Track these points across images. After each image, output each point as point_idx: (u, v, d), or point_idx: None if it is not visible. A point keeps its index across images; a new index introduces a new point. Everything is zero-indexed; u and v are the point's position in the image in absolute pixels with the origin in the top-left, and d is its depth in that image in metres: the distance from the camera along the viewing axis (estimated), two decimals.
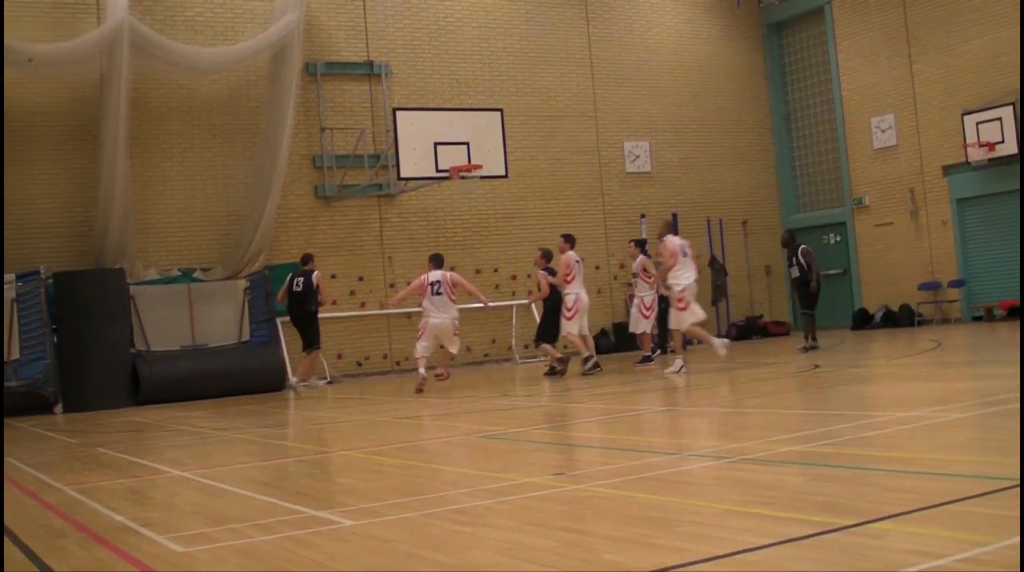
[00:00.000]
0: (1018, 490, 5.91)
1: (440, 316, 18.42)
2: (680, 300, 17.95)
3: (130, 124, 21.93)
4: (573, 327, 19.22)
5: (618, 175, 29.00)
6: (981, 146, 25.89)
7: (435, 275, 18.64)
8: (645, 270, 20.51)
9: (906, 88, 28.61)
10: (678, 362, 17.94)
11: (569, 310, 19.17)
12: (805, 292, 21.47)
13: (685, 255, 18.25)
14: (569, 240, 19.98)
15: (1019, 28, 24.13)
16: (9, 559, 6.23)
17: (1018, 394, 10.54)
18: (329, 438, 12.46)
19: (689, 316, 18.11)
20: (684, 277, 18.05)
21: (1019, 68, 23.76)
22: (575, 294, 19.21)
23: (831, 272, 29.66)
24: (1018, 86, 25.60)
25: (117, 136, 21.43)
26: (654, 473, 7.83)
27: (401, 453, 10.56)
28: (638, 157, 29.28)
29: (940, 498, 5.86)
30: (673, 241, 18.60)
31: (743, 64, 31.65)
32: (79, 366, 20.39)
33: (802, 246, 21.94)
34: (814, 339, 21.17)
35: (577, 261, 19.53)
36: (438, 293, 18.42)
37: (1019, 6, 25.26)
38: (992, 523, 5.23)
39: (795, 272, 21.81)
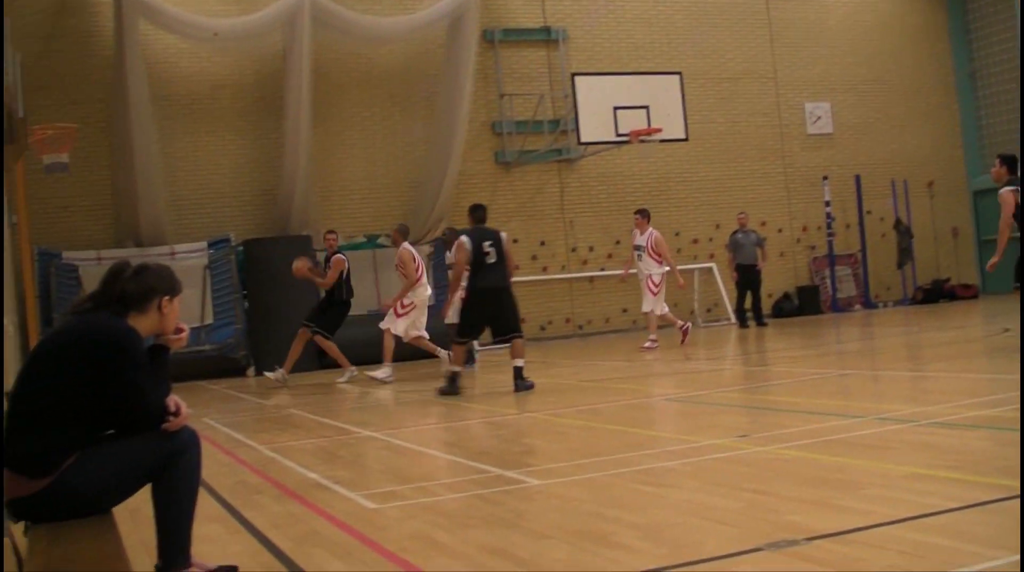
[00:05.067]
0: None
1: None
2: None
3: (312, 95, 22.36)
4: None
5: (799, 137, 28.54)
6: None
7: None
8: (656, 246, 19.35)
9: None
10: None
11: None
12: None
13: None
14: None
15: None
16: (209, 512, 6.48)
17: None
18: (513, 401, 12.55)
19: None
20: None
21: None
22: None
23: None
24: None
25: (300, 107, 21.88)
26: (839, 436, 7.79)
27: (584, 416, 10.64)
28: (819, 118, 28.78)
29: None
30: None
31: (924, 22, 30.77)
32: (268, 331, 20.81)
33: None
34: None
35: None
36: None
37: None
38: None
39: None
